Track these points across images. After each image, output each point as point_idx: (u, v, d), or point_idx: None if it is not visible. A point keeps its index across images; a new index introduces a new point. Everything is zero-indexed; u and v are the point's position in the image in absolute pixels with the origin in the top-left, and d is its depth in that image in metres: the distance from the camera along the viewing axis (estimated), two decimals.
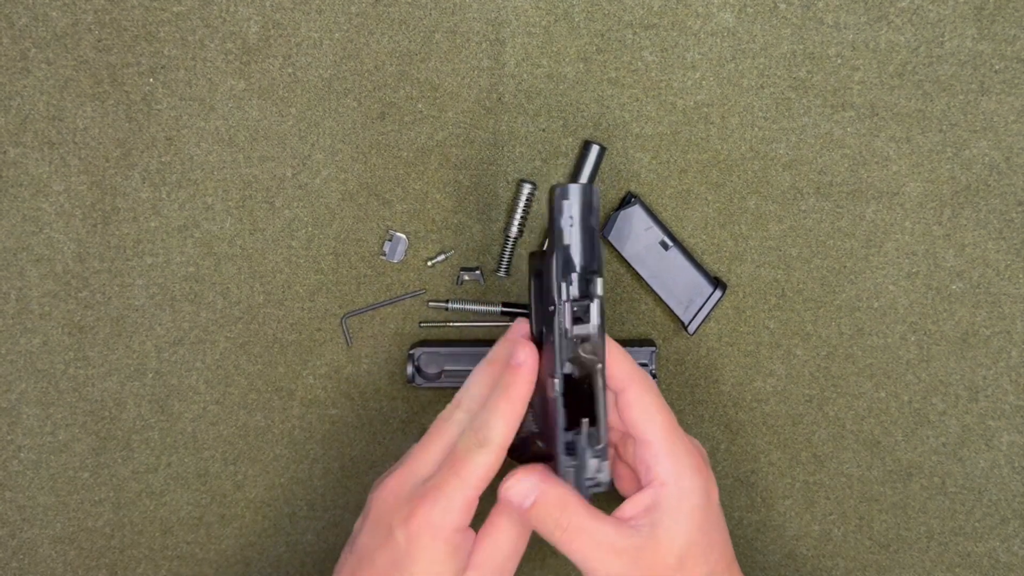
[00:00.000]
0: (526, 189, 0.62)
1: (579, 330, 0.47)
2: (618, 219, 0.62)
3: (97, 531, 0.65)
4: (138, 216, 0.63)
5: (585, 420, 0.47)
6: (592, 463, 0.47)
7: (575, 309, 0.46)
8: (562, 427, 0.47)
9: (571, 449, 0.47)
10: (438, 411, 0.66)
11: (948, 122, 0.62)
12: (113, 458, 0.65)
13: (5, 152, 0.62)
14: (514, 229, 0.63)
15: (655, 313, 0.65)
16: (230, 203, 0.63)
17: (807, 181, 0.63)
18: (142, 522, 0.66)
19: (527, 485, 0.47)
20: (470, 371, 0.64)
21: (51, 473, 0.65)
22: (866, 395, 0.66)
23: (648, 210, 0.63)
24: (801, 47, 0.62)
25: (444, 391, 0.65)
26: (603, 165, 0.63)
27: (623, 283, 0.65)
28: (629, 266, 0.64)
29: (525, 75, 0.62)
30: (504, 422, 0.47)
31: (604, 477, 0.47)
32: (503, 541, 0.49)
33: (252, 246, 0.63)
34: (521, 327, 0.53)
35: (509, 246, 0.63)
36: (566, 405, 0.47)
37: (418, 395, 0.65)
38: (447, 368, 0.64)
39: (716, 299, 0.63)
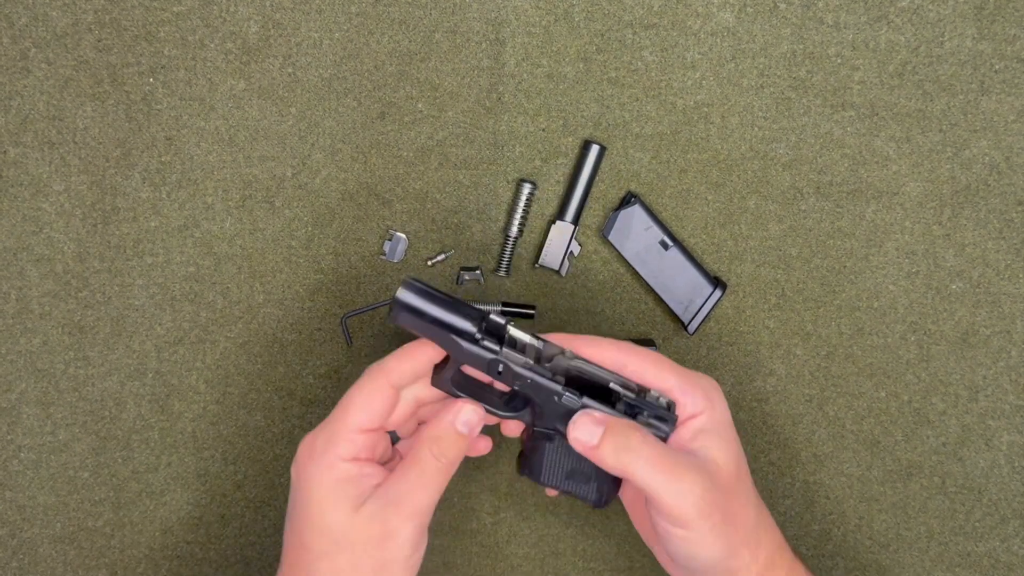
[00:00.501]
0: (526, 189, 0.62)
1: (525, 355, 0.49)
2: (618, 219, 0.62)
3: (97, 531, 0.65)
4: (138, 216, 0.63)
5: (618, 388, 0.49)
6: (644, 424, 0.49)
7: (506, 350, 0.48)
8: (615, 413, 0.49)
9: (631, 411, 0.49)
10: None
11: (948, 122, 0.62)
12: (113, 458, 0.65)
13: (5, 152, 0.62)
14: (514, 229, 0.63)
15: (655, 313, 0.65)
16: (230, 203, 0.63)
17: (807, 181, 0.63)
18: (142, 522, 0.66)
19: (590, 420, 0.49)
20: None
21: (51, 473, 0.65)
22: (866, 395, 0.66)
23: (648, 210, 0.63)
24: (801, 47, 0.62)
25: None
26: (603, 165, 0.63)
27: (623, 283, 0.65)
28: (629, 266, 0.64)
29: (525, 75, 0.62)
30: (432, 486, 0.49)
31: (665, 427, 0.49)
32: (416, 475, 0.49)
33: (252, 246, 0.63)
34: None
35: (509, 246, 0.63)
36: (586, 394, 0.49)
37: None
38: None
39: (716, 299, 0.63)
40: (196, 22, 0.61)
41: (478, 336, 0.48)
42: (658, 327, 0.65)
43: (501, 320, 0.49)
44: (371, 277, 0.64)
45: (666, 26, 0.61)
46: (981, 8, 0.61)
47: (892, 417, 0.66)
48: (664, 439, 0.49)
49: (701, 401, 0.50)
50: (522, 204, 0.62)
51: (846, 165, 0.63)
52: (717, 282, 0.63)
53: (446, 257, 0.64)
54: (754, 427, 0.66)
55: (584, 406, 0.49)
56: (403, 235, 0.63)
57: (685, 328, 0.64)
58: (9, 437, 0.64)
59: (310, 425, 0.65)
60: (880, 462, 0.66)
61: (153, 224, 0.63)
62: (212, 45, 0.61)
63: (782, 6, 0.61)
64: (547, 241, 0.63)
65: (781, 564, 0.51)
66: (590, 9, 0.61)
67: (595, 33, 0.62)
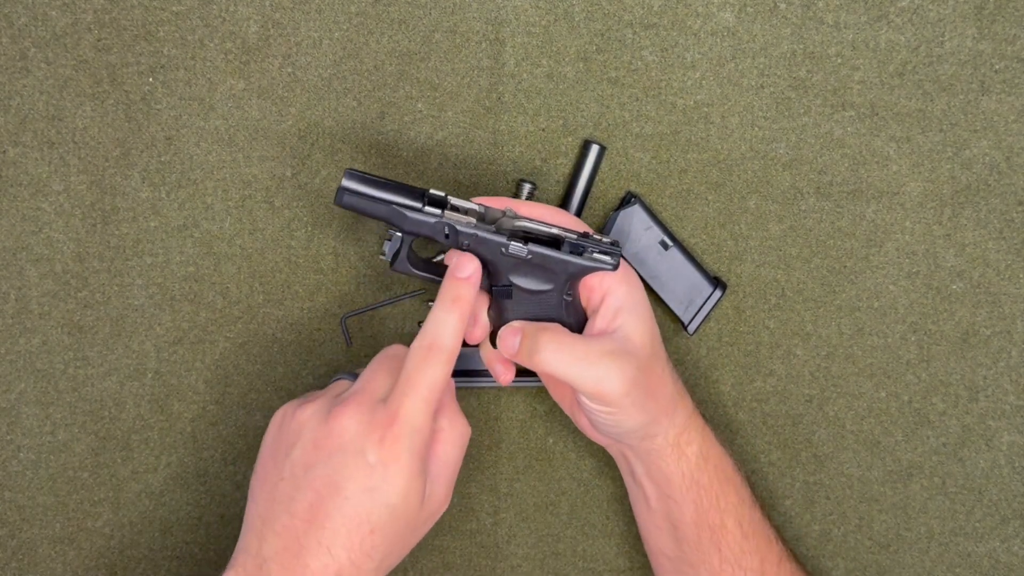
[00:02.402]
0: (526, 189, 0.62)
1: (466, 217, 0.52)
2: (618, 219, 0.62)
3: (97, 531, 0.65)
4: (137, 216, 0.63)
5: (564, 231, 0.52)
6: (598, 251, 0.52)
7: (450, 215, 0.51)
8: (568, 253, 0.52)
9: (576, 249, 0.52)
10: None
11: (948, 122, 0.62)
12: (112, 458, 0.65)
13: (5, 152, 0.61)
14: None
15: (655, 313, 0.65)
16: (230, 203, 0.63)
17: (807, 181, 0.63)
18: (141, 522, 0.66)
19: (512, 331, 0.53)
20: (469, 371, 0.64)
21: (50, 473, 0.64)
22: (866, 395, 0.66)
23: (648, 210, 0.63)
24: (801, 47, 0.62)
25: None
26: (603, 165, 0.63)
27: None
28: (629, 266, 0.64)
29: (525, 75, 0.62)
30: (452, 329, 0.50)
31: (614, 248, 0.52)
32: (449, 449, 0.51)
33: (252, 246, 0.63)
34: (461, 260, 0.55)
35: None
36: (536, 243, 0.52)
37: None
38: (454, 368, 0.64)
39: (716, 299, 0.63)
40: (196, 22, 0.61)
41: (421, 206, 0.51)
42: (658, 327, 0.65)
43: (441, 193, 0.52)
44: (371, 277, 0.64)
45: (666, 26, 0.61)
46: (981, 8, 0.61)
47: (892, 417, 0.66)
48: (613, 270, 0.52)
49: (616, 279, 0.54)
50: None
51: (846, 165, 0.63)
52: (717, 282, 0.63)
53: (446, 257, 0.64)
54: (754, 427, 0.66)
55: (530, 252, 0.51)
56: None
57: (685, 328, 0.64)
58: (8, 437, 0.64)
59: None
60: (880, 462, 0.66)
61: (153, 224, 0.63)
62: (212, 45, 0.61)
63: (782, 6, 0.61)
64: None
65: (694, 427, 0.56)
66: (590, 9, 0.61)
67: (595, 33, 0.62)
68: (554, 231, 0.52)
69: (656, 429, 0.55)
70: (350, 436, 0.47)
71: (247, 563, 0.48)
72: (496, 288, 0.54)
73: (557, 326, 0.53)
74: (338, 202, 0.51)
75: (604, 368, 0.51)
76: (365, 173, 0.52)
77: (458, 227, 0.51)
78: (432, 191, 0.52)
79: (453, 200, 0.52)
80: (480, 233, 0.51)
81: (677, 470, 0.56)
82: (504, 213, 0.53)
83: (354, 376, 0.53)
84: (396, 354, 0.52)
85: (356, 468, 0.46)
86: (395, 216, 0.51)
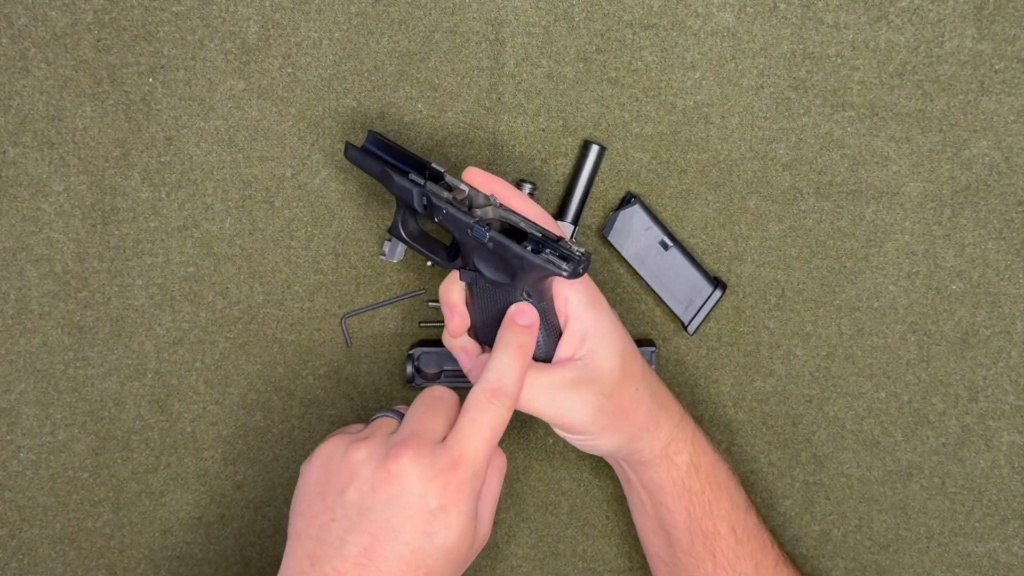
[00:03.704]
0: (526, 189, 0.62)
1: (446, 192, 0.53)
2: (618, 219, 0.62)
3: (97, 531, 0.65)
4: (138, 216, 0.63)
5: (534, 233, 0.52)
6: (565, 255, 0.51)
7: (441, 194, 0.53)
8: (527, 249, 0.51)
9: (537, 248, 0.51)
10: None
11: (948, 122, 0.62)
12: (112, 458, 0.65)
13: (5, 152, 0.61)
14: None
15: (655, 313, 0.65)
16: (230, 203, 0.63)
17: (807, 181, 0.63)
18: (141, 522, 0.66)
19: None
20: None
21: (51, 473, 0.64)
22: (866, 395, 0.66)
23: (648, 210, 0.63)
24: (801, 47, 0.62)
25: None
26: (603, 165, 0.63)
27: (623, 283, 0.65)
28: (629, 266, 0.64)
29: (525, 75, 0.62)
30: (516, 376, 0.50)
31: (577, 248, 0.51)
32: (491, 483, 0.50)
33: (252, 246, 0.63)
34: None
35: None
36: (510, 237, 0.51)
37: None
38: (447, 368, 0.64)
39: (716, 299, 0.63)
40: (196, 22, 0.61)
41: (407, 172, 0.54)
42: (658, 327, 0.65)
43: (441, 168, 0.54)
44: (371, 277, 0.64)
45: (666, 26, 0.61)
46: (981, 8, 0.61)
47: (892, 417, 0.66)
48: (568, 277, 0.50)
49: (580, 304, 0.53)
50: None
51: (846, 165, 0.63)
52: (717, 282, 0.63)
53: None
54: (754, 427, 0.66)
55: (491, 240, 0.51)
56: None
57: (685, 328, 0.64)
58: (9, 437, 0.64)
59: (310, 425, 0.65)
60: (880, 463, 0.66)
61: (153, 224, 0.63)
62: (212, 45, 0.61)
63: (782, 6, 0.61)
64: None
65: (681, 437, 0.56)
66: (590, 9, 0.61)
67: (595, 33, 0.62)
68: (527, 227, 0.52)
69: (639, 445, 0.55)
70: (411, 480, 0.46)
71: None
72: (464, 270, 0.54)
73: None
74: (345, 154, 0.55)
75: (567, 400, 0.51)
76: (385, 137, 0.55)
77: (434, 199, 0.53)
78: (433, 164, 0.54)
79: (448, 177, 0.54)
80: (450, 209, 0.52)
81: (668, 478, 0.56)
82: (489, 200, 0.53)
83: (397, 415, 0.52)
84: (443, 397, 0.51)
85: (417, 512, 0.46)
86: (384, 177, 0.54)
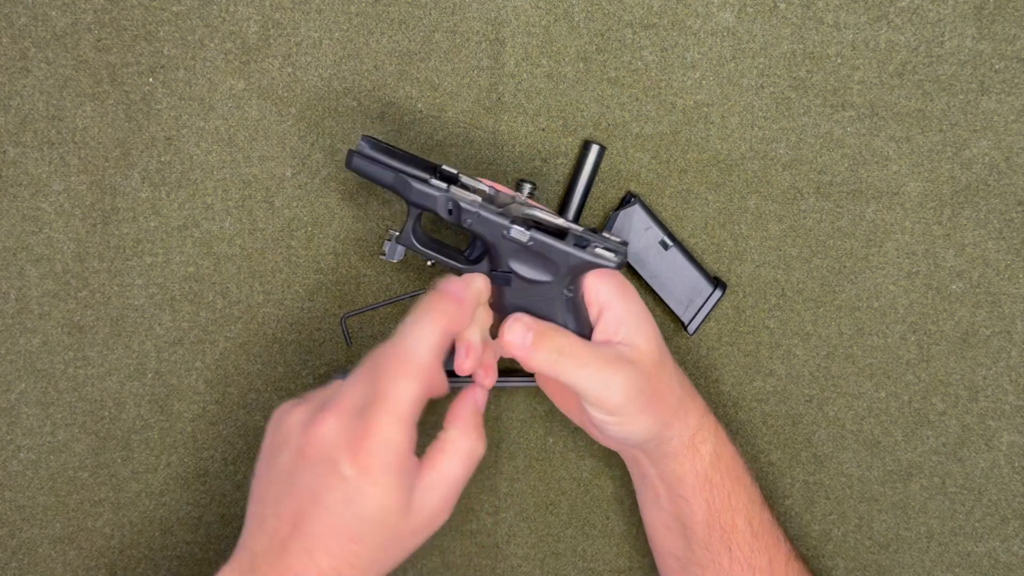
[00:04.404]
0: (526, 189, 0.62)
1: (472, 195, 0.51)
2: (618, 219, 0.62)
3: (97, 531, 0.65)
4: (138, 216, 0.63)
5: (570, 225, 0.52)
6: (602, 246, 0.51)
7: (458, 196, 0.51)
8: (564, 244, 0.50)
9: (581, 242, 0.51)
10: (437, 412, 0.66)
11: (948, 122, 0.62)
12: (112, 458, 0.65)
13: (5, 152, 0.61)
14: None
15: (655, 313, 0.65)
16: (229, 203, 0.63)
17: (807, 181, 0.63)
18: (142, 522, 0.66)
19: (522, 326, 0.51)
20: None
21: (51, 473, 0.64)
22: (866, 395, 0.66)
23: (648, 210, 0.63)
24: (801, 47, 0.62)
25: None
26: (603, 165, 0.63)
27: None
28: (629, 266, 0.64)
29: (525, 75, 0.62)
30: (426, 344, 0.48)
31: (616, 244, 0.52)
32: (450, 463, 0.49)
33: (252, 246, 0.63)
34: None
35: None
36: (543, 231, 0.51)
37: None
38: (446, 368, 0.64)
39: (716, 299, 0.63)
40: (196, 22, 0.61)
41: (428, 178, 0.50)
42: (658, 327, 0.65)
43: (454, 170, 0.51)
44: (371, 277, 0.64)
45: (666, 26, 0.61)
46: (981, 8, 0.61)
47: (892, 417, 0.66)
48: (616, 267, 0.51)
49: (613, 293, 0.53)
50: None
51: (846, 165, 0.63)
52: (717, 282, 0.63)
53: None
54: (754, 427, 0.66)
55: (532, 239, 0.50)
56: None
57: (685, 328, 0.64)
58: (8, 437, 0.64)
59: None
60: (880, 462, 0.66)
61: (153, 224, 0.63)
62: (212, 45, 0.61)
63: (782, 6, 0.61)
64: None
65: (708, 427, 0.57)
66: (590, 9, 0.61)
67: (595, 33, 0.62)
68: (561, 223, 0.51)
69: (670, 433, 0.55)
70: (327, 447, 0.46)
71: (242, 557, 0.49)
72: (495, 273, 0.53)
73: (563, 328, 0.53)
74: (348, 165, 0.50)
75: (610, 375, 0.51)
76: (381, 141, 0.51)
77: (462, 204, 0.50)
78: (444, 167, 0.51)
79: (464, 178, 0.51)
80: (483, 212, 0.50)
81: (691, 470, 0.56)
82: (514, 199, 0.52)
83: (346, 376, 0.53)
84: (380, 359, 0.50)
85: (333, 479, 0.46)
86: (401, 185, 0.50)
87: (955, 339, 0.65)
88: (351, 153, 0.51)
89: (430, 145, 0.63)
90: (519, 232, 0.50)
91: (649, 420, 0.53)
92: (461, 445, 0.50)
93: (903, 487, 0.66)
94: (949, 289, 0.64)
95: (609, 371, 0.51)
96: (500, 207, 0.52)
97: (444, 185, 0.51)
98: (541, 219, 0.52)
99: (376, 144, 0.52)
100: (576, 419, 0.61)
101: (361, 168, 0.51)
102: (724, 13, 0.61)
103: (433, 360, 0.48)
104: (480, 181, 0.52)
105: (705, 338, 0.65)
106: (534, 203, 0.52)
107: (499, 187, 0.53)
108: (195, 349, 0.64)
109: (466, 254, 0.55)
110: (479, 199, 0.51)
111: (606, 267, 0.51)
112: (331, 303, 0.64)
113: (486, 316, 0.54)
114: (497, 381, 0.58)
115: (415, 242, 0.54)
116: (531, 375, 0.63)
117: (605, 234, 0.52)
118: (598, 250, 0.50)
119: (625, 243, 0.51)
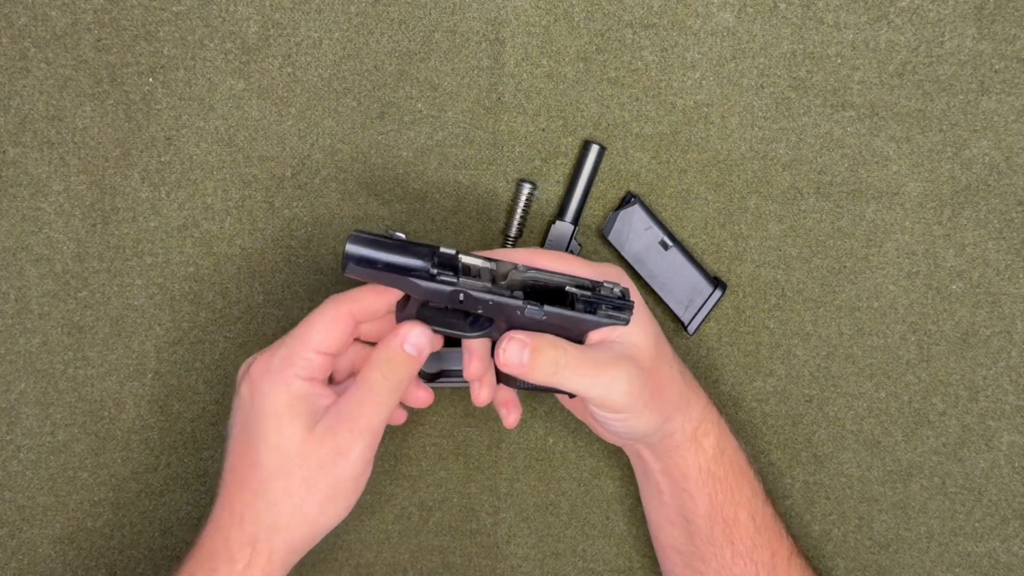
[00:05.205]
0: (526, 189, 0.62)
1: (481, 278, 0.51)
2: (618, 219, 0.62)
3: (96, 531, 0.65)
4: (137, 216, 0.63)
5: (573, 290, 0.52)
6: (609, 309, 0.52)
7: (461, 282, 0.50)
8: (582, 311, 0.51)
9: (590, 308, 0.52)
10: (437, 412, 0.66)
11: (948, 122, 0.62)
12: (112, 458, 0.65)
13: (5, 152, 0.61)
14: (514, 229, 0.63)
15: (655, 313, 0.65)
16: (229, 203, 0.63)
17: (807, 181, 0.63)
18: (141, 522, 0.66)
19: (517, 344, 0.51)
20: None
21: (50, 473, 0.64)
22: (866, 395, 0.66)
23: (648, 210, 0.63)
24: (801, 47, 0.62)
25: (443, 391, 0.65)
26: (603, 165, 0.63)
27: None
28: (629, 266, 0.64)
29: (525, 75, 0.62)
30: (376, 421, 0.51)
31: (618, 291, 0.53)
32: (367, 393, 0.51)
33: (251, 246, 0.63)
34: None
35: (509, 246, 0.63)
36: (550, 301, 0.51)
37: None
38: (446, 368, 0.64)
39: (716, 299, 0.63)
40: (196, 22, 0.61)
41: (433, 272, 0.49)
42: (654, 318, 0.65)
43: (452, 251, 0.50)
44: None
45: (666, 26, 0.61)
46: (981, 8, 0.61)
47: (892, 417, 0.66)
48: (625, 324, 0.52)
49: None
50: (522, 204, 0.62)
51: (846, 165, 0.63)
52: (717, 282, 0.63)
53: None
54: (754, 427, 0.66)
55: (547, 314, 0.51)
56: (403, 235, 0.63)
57: (685, 328, 0.64)
58: (8, 437, 0.64)
59: None
60: (880, 462, 0.66)
61: (152, 224, 0.63)
62: (212, 45, 0.61)
63: (782, 6, 0.61)
64: (547, 241, 0.63)
65: (711, 419, 0.57)
66: (590, 9, 0.61)
67: (595, 33, 0.62)
68: (567, 286, 0.52)
69: (672, 427, 0.55)
70: (243, 383, 0.52)
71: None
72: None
73: (558, 338, 0.52)
74: (346, 271, 0.48)
75: (611, 378, 0.51)
76: (372, 234, 0.49)
77: (473, 293, 0.50)
78: (443, 249, 0.50)
79: (464, 258, 0.51)
80: (495, 298, 0.50)
81: (694, 463, 0.56)
82: (515, 267, 0.52)
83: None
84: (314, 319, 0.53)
85: (235, 404, 0.52)
86: (408, 286, 0.49)
87: (955, 339, 0.65)
88: (348, 258, 0.48)
89: (430, 145, 0.63)
90: (534, 311, 0.51)
91: (652, 415, 0.54)
92: (378, 387, 0.51)
93: (903, 487, 0.66)
94: (949, 289, 0.64)
95: (610, 374, 0.51)
96: (504, 278, 0.52)
97: (453, 279, 0.49)
98: (542, 281, 0.52)
99: (367, 239, 0.49)
100: (579, 414, 0.62)
101: (361, 275, 0.49)
102: (724, 13, 0.61)
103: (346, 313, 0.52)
104: (476, 256, 0.51)
105: (705, 338, 0.65)
106: (530, 265, 0.52)
107: (495, 255, 0.53)
108: (195, 349, 0.64)
109: (471, 323, 0.53)
110: (488, 284, 0.50)
111: (618, 325, 0.52)
112: None
113: (484, 349, 0.55)
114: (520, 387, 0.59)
115: (424, 321, 0.52)
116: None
117: (606, 284, 0.52)
118: (610, 312, 0.52)
119: (626, 291, 0.52)
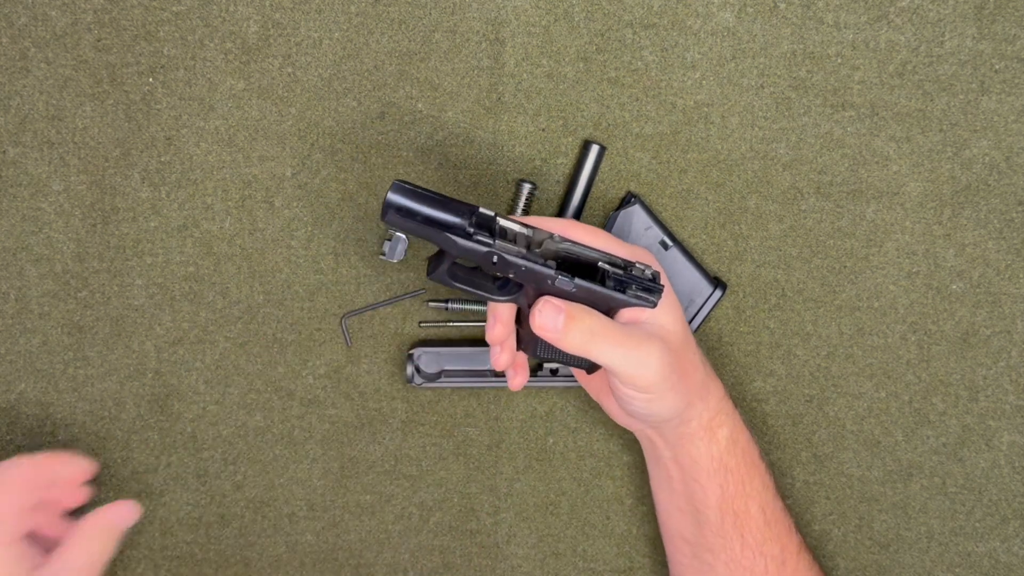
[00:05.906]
0: (526, 189, 0.62)
1: (516, 243, 0.51)
2: (618, 219, 0.62)
3: None
4: (137, 216, 0.63)
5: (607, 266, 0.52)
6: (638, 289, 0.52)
7: (496, 240, 0.50)
8: (612, 288, 0.51)
9: (620, 286, 0.52)
10: (437, 412, 0.66)
11: (948, 122, 0.62)
12: (112, 458, 0.65)
13: (5, 152, 0.61)
14: None
15: None
16: (229, 203, 0.63)
17: (807, 181, 0.63)
18: (141, 522, 0.66)
19: (552, 308, 0.51)
20: (469, 371, 0.64)
21: None
22: (866, 395, 0.66)
23: (648, 210, 0.63)
24: (801, 47, 0.62)
25: (443, 391, 0.65)
26: (603, 165, 0.63)
27: None
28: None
29: (525, 75, 0.62)
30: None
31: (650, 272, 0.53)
32: (83, 550, 0.54)
33: (252, 246, 0.63)
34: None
35: None
36: (579, 275, 0.51)
37: (417, 395, 0.65)
38: (447, 368, 0.64)
39: (716, 299, 0.63)
40: (196, 22, 0.61)
41: (470, 231, 0.49)
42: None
43: (491, 213, 0.50)
44: (371, 277, 0.64)
45: (666, 26, 0.61)
46: (981, 8, 0.61)
47: (892, 417, 0.66)
48: (653, 307, 0.52)
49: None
50: (522, 204, 0.62)
51: (846, 165, 0.63)
52: (717, 282, 0.63)
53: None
54: (754, 427, 0.66)
55: (577, 287, 0.51)
56: (403, 235, 0.63)
57: None
58: (8, 437, 0.64)
59: (310, 425, 0.65)
60: (880, 462, 0.66)
61: (152, 224, 0.63)
62: (212, 45, 0.61)
63: (782, 6, 0.61)
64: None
65: (726, 410, 0.57)
66: (590, 9, 0.61)
67: (595, 33, 0.62)
68: (600, 262, 0.52)
69: (691, 413, 0.56)
70: None
71: None
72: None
73: (592, 309, 0.52)
74: (385, 219, 0.49)
75: (644, 353, 0.51)
76: (414, 186, 0.49)
77: (508, 257, 0.50)
78: (482, 209, 0.50)
79: (502, 221, 0.51)
80: (528, 264, 0.50)
81: (707, 453, 0.56)
82: (551, 236, 0.52)
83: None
84: None
85: None
86: (444, 242, 0.50)
87: (955, 339, 0.65)
88: (388, 206, 0.48)
89: (430, 145, 0.63)
90: (565, 282, 0.51)
91: (676, 398, 0.54)
92: (88, 545, 0.54)
93: (903, 487, 0.66)
94: (949, 289, 0.64)
95: (644, 349, 0.51)
96: (538, 245, 0.52)
97: (489, 240, 0.50)
98: (577, 253, 0.52)
99: (409, 190, 0.49)
100: (593, 392, 0.61)
101: (399, 224, 0.49)
102: (724, 13, 0.61)
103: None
104: (514, 221, 0.51)
105: (705, 338, 0.65)
106: (565, 236, 0.52)
107: (532, 222, 0.52)
108: (195, 349, 0.64)
109: (500, 286, 0.54)
110: (522, 249, 0.50)
111: (645, 307, 0.52)
112: (331, 303, 0.64)
113: (509, 314, 0.55)
114: (529, 380, 0.59)
115: (450, 280, 0.53)
116: (558, 374, 0.64)
117: (638, 265, 0.52)
118: (639, 293, 0.52)
119: (657, 275, 0.52)
